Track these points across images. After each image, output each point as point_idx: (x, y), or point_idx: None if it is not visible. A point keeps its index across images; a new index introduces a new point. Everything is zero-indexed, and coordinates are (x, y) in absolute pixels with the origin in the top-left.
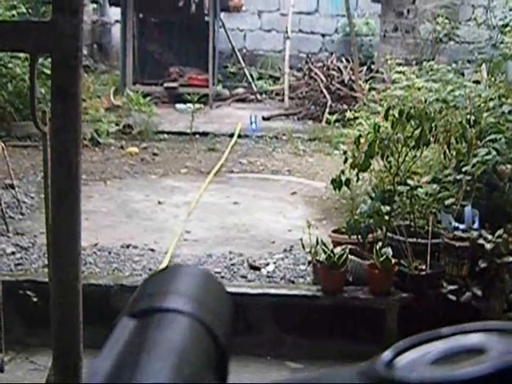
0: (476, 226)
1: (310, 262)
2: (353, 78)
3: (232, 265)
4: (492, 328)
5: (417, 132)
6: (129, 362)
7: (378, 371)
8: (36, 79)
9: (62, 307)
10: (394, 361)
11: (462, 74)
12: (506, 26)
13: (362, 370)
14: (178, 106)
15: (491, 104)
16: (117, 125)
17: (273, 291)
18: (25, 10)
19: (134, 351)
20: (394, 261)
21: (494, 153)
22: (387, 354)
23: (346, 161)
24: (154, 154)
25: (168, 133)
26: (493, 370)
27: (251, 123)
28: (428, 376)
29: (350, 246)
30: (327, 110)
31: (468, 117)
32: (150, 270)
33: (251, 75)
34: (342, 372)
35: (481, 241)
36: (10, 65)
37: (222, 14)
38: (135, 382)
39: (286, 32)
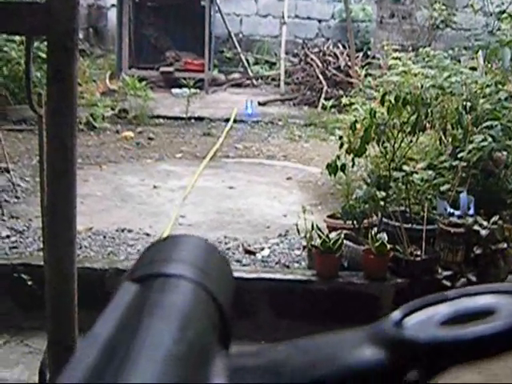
0: (471, 212)
1: (304, 247)
2: (349, 63)
3: (227, 249)
4: (500, 290)
5: (413, 118)
6: (131, 323)
7: (387, 331)
8: (32, 62)
9: (56, 290)
10: (403, 321)
11: (459, 61)
12: (503, 12)
13: (371, 331)
14: (174, 90)
15: (487, 91)
16: (112, 109)
17: (268, 276)
18: None
19: (137, 313)
20: (389, 246)
21: (490, 139)
22: (396, 315)
23: (341, 146)
24: (150, 139)
25: (163, 117)
26: (504, 328)
27: (247, 108)
28: (438, 335)
29: (345, 231)
30: (323, 95)
31: (464, 103)
32: None
33: (247, 60)
34: (351, 334)
35: (476, 227)
36: (5, 48)
37: None
38: (138, 343)
39: (283, 17)
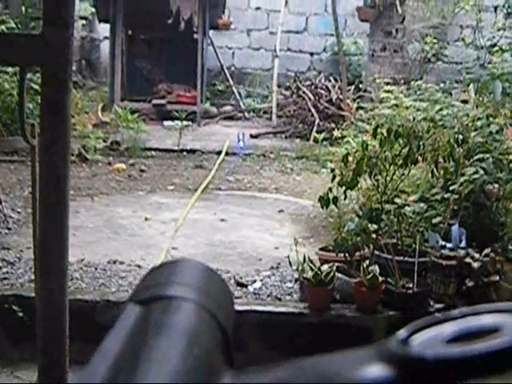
0: (463, 244)
1: (296, 280)
2: (341, 96)
3: None
4: (503, 309)
5: (405, 150)
6: (138, 341)
7: (393, 349)
8: (25, 93)
9: (48, 322)
10: (409, 339)
11: (450, 94)
12: (494, 46)
13: (377, 349)
14: (166, 122)
15: (479, 123)
16: (104, 141)
17: (259, 308)
18: (14, 25)
19: (143, 332)
20: (381, 279)
21: (482, 172)
22: (402, 333)
23: (333, 178)
24: (142, 171)
25: (155, 149)
26: (510, 344)
27: (239, 141)
28: (445, 352)
29: (337, 264)
30: (315, 128)
31: (456, 136)
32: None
33: (239, 93)
34: (357, 352)
35: (468, 260)
36: None
37: (211, 32)
38: (146, 359)
39: (275, 50)
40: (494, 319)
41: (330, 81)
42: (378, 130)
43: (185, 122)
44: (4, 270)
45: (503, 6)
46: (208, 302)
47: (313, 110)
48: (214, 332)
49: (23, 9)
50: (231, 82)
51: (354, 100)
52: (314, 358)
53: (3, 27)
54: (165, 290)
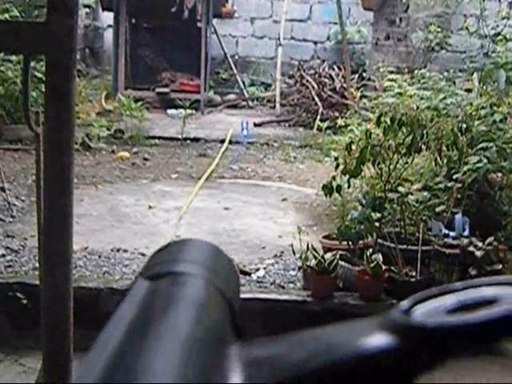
0: (466, 233)
1: (300, 268)
2: (344, 85)
3: None
4: (503, 281)
5: (408, 139)
6: (149, 312)
7: (395, 319)
8: (29, 80)
9: (52, 310)
10: (411, 310)
11: (454, 83)
12: (498, 35)
13: (380, 320)
14: (170, 111)
15: (483, 112)
16: (108, 129)
17: (263, 296)
18: (17, 14)
19: (153, 304)
20: (384, 267)
21: (485, 161)
22: (404, 304)
23: (337, 167)
24: (145, 159)
25: (159, 138)
26: (509, 312)
27: (242, 129)
28: (446, 320)
29: (340, 252)
30: (318, 117)
31: (459, 125)
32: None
33: (243, 81)
34: (360, 323)
35: (471, 248)
36: (1, 68)
37: (215, 20)
38: (157, 328)
39: (279, 39)
40: (494, 291)
41: (333, 69)
42: (382, 119)
43: (188, 111)
44: (8, 257)
45: None
46: (216, 278)
47: (316, 98)
48: (222, 306)
49: None
50: (235, 71)
51: (358, 88)
52: (317, 330)
53: (7, 15)
54: (173, 266)
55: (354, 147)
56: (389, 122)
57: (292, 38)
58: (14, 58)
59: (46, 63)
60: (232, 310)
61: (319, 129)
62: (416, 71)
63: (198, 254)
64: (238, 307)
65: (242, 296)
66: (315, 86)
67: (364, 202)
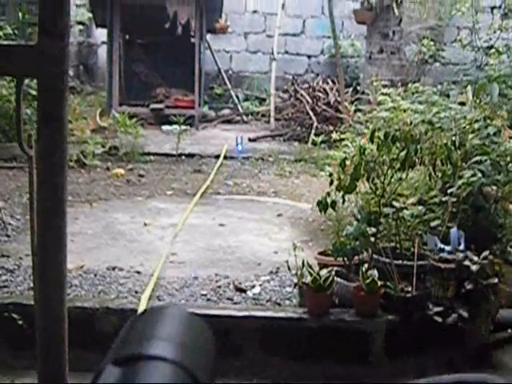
0: (462, 247)
1: (296, 284)
2: (338, 99)
3: (218, 287)
4: (465, 380)
5: (402, 154)
6: None
7: None
8: (22, 101)
9: (47, 330)
10: None
11: (448, 96)
12: (491, 47)
13: None
14: (164, 127)
15: (476, 126)
16: (103, 146)
17: (259, 313)
18: (11, 31)
19: None
20: (379, 283)
21: (480, 174)
22: None
23: (331, 183)
24: (140, 176)
25: (154, 154)
26: None
27: (237, 144)
28: None
29: (335, 268)
30: (313, 131)
31: (453, 139)
32: (135, 292)
33: (237, 96)
34: None
35: (467, 262)
36: None
37: (208, 36)
38: None
39: (272, 53)
40: None
41: (327, 83)
42: (376, 134)
43: (183, 126)
44: (3, 277)
45: (500, 7)
46: (186, 358)
47: (311, 112)
48: None
49: (20, 15)
50: (229, 86)
51: (352, 102)
52: None
53: (0, 33)
54: (143, 347)
55: (348, 163)
56: (382, 138)
57: (286, 52)
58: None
59: (38, 86)
60: None
61: (314, 143)
62: (410, 84)
63: (170, 328)
64: (213, 380)
65: (238, 314)
66: (309, 100)
67: (359, 216)
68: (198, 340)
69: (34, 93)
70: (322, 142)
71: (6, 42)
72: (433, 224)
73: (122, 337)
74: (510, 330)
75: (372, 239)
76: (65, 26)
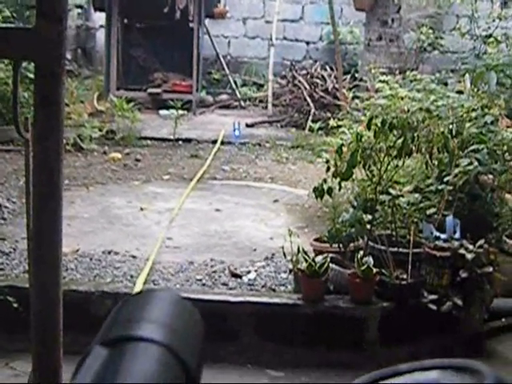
0: (457, 235)
1: (291, 271)
2: (336, 86)
3: (213, 272)
4: (445, 365)
5: (399, 142)
6: None
7: None
8: (19, 85)
9: (42, 313)
10: None
11: (446, 84)
12: (490, 36)
13: None
14: (162, 111)
15: (474, 114)
16: (100, 130)
17: (254, 299)
18: (9, 14)
19: (107, 380)
20: (375, 270)
21: (476, 163)
22: None
23: (328, 169)
24: (137, 160)
25: (151, 139)
26: None
27: (234, 130)
28: None
29: (331, 255)
30: (310, 117)
31: (450, 127)
32: (131, 276)
33: (235, 82)
34: None
35: (462, 251)
36: None
37: (207, 21)
38: None
39: (271, 39)
40: (435, 376)
41: (325, 70)
42: (373, 121)
43: (180, 111)
44: None
45: None
46: (175, 341)
47: (308, 99)
48: (179, 375)
49: None
50: (227, 71)
51: (350, 89)
52: None
53: None
54: (132, 329)
55: (344, 149)
56: (380, 125)
57: (284, 38)
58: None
59: (35, 69)
60: (189, 377)
61: (311, 129)
62: (408, 72)
63: (160, 310)
64: (201, 364)
65: (233, 299)
66: (307, 87)
67: (355, 204)
68: (187, 324)
69: (32, 76)
70: (320, 128)
71: (3, 25)
72: (429, 212)
73: (112, 318)
74: (504, 319)
75: (368, 226)
76: (62, 10)
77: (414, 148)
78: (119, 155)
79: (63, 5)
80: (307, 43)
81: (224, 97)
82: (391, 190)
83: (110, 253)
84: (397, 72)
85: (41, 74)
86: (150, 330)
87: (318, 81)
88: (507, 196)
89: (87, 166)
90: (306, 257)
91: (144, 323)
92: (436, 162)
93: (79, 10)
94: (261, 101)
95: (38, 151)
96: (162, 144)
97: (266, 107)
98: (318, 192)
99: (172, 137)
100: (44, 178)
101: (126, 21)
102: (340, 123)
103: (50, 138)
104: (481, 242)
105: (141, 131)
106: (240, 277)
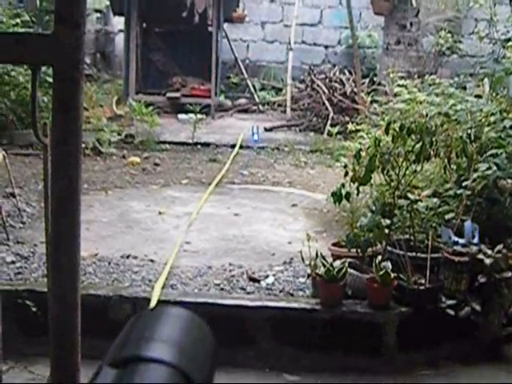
0: (476, 240)
1: (309, 275)
2: (355, 90)
3: (232, 277)
4: None
5: (417, 146)
6: None
7: None
8: (38, 89)
9: (60, 318)
10: None
11: (464, 88)
12: (509, 40)
13: None
14: (181, 116)
15: (492, 119)
16: (119, 134)
17: (272, 304)
18: (28, 19)
19: None
20: (393, 275)
21: (495, 168)
22: None
23: (346, 174)
24: (156, 164)
25: (170, 143)
26: None
27: (253, 134)
28: None
29: (349, 260)
30: (329, 121)
31: (469, 131)
32: (149, 280)
33: (254, 86)
34: None
35: (480, 256)
36: (12, 73)
37: (226, 25)
38: None
39: (289, 43)
40: None
41: (344, 74)
42: (391, 126)
43: (199, 115)
44: (18, 264)
45: None
46: (183, 361)
47: (327, 103)
48: None
49: (38, 2)
50: (245, 75)
51: (368, 93)
52: None
53: (18, 20)
54: (142, 349)
55: (363, 154)
56: (398, 130)
57: (303, 42)
58: None
59: (54, 75)
60: None
61: (330, 134)
62: (426, 76)
63: (171, 329)
64: (210, 382)
65: (251, 304)
66: (326, 91)
67: (373, 208)
68: (197, 341)
69: (51, 80)
70: (338, 132)
71: (22, 30)
72: (447, 217)
73: (122, 336)
74: None
75: (386, 231)
76: (81, 15)
77: (432, 152)
78: (138, 159)
79: (81, 10)
80: (326, 47)
81: (242, 101)
82: (409, 195)
83: (128, 257)
84: (415, 76)
85: (59, 79)
86: (159, 350)
87: (336, 85)
88: None
89: (106, 170)
90: (324, 261)
91: (153, 343)
92: (454, 167)
93: (98, 15)
94: (279, 105)
95: (56, 156)
96: (181, 148)
97: (285, 111)
98: (337, 197)
99: (191, 141)
100: (62, 183)
101: (144, 25)
102: (358, 127)
103: (68, 144)
104: (499, 246)
105: (159, 135)
106: (258, 281)
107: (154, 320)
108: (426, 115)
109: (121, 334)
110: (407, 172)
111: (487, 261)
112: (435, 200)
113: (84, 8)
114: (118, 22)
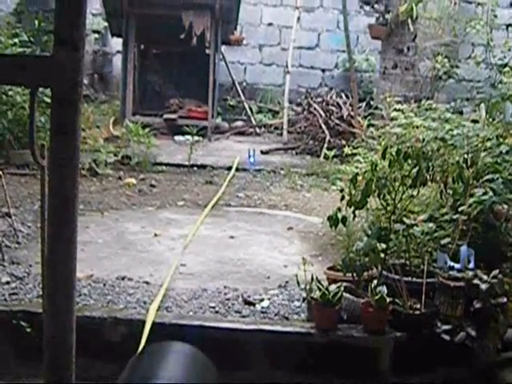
0: (471, 265)
1: (304, 299)
2: (352, 113)
3: (227, 300)
4: None
5: (414, 171)
6: None
7: None
8: (35, 110)
9: (54, 339)
10: None
11: (461, 113)
12: (505, 66)
13: None
14: (177, 137)
15: (489, 144)
16: (115, 155)
17: (267, 327)
18: (26, 38)
19: None
20: (388, 299)
21: (491, 193)
22: None
23: (342, 198)
24: (152, 186)
25: (166, 164)
26: None
27: (249, 157)
28: None
29: (344, 284)
30: (325, 145)
31: (465, 156)
32: (144, 303)
33: (250, 108)
34: None
35: (476, 281)
36: (10, 93)
37: (223, 47)
38: None
39: (286, 66)
40: None
41: (341, 97)
42: (388, 151)
43: (196, 137)
44: (13, 285)
45: None
46: None
47: (324, 126)
48: None
49: (36, 23)
50: (242, 98)
51: (365, 117)
52: None
53: (16, 40)
54: None
55: (359, 178)
56: (395, 154)
57: (300, 65)
58: None
59: (52, 97)
60: None
61: (326, 157)
62: (423, 100)
63: (173, 365)
64: None
65: (246, 327)
66: (322, 114)
67: (369, 232)
68: (200, 377)
69: (49, 100)
70: (335, 156)
71: (20, 50)
72: (443, 241)
73: (127, 374)
74: None
75: (382, 255)
76: (80, 38)
77: (428, 177)
78: (134, 180)
79: (81, 33)
80: (323, 71)
81: (239, 123)
82: (405, 219)
83: (123, 279)
84: (412, 100)
85: (57, 102)
86: None
87: (333, 108)
88: None
89: (102, 190)
90: (320, 285)
91: (157, 379)
92: (451, 192)
93: (96, 36)
94: (276, 128)
95: (53, 179)
96: (177, 170)
97: (281, 134)
98: (333, 221)
99: (187, 163)
100: (59, 205)
101: (142, 46)
102: (355, 151)
103: (65, 166)
104: (495, 272)
105: (156, 157)
106: (253, 304)
107: (158, 357)
108: (423, 140)
109: (126, 370)
110: (403, 196)
111: (483, 286)
112: (431, 225)
113: (83, 30)
114: (116, 43)
